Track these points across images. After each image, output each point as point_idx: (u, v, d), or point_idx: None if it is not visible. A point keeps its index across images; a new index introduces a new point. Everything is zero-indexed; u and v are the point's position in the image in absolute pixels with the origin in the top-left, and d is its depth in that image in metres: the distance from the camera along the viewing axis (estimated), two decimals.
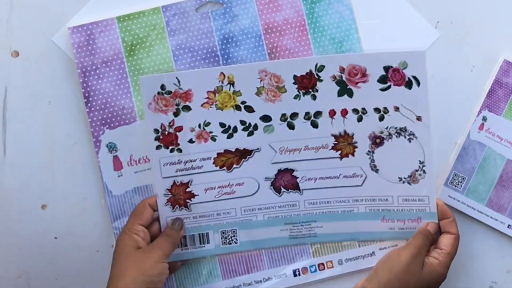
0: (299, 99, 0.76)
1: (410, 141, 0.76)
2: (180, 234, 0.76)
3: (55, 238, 0.81)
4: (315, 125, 0.76)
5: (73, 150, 0.80)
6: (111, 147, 0.78)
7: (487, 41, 0.81)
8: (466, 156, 0.80)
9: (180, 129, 0.76)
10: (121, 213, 0.78)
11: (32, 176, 0.81)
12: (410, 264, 0.72)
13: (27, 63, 0.81)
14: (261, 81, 0.75)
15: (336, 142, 0.76)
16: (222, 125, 0.76)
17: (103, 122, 0.78)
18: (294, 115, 0.76)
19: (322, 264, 0.79)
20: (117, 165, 0.78)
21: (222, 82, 0.75)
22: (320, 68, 0.75)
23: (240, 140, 0.76)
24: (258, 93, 0.75)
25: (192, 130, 0.76)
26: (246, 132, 0.76)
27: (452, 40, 0.81)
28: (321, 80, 0.75)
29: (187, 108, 0.76)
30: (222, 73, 0.75)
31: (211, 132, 0.76)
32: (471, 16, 0.81)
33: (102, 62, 0.78)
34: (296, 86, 0.75)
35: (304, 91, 0.75)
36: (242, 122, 0.76)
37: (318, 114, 0.76)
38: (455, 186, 0.80)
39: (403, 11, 0.81)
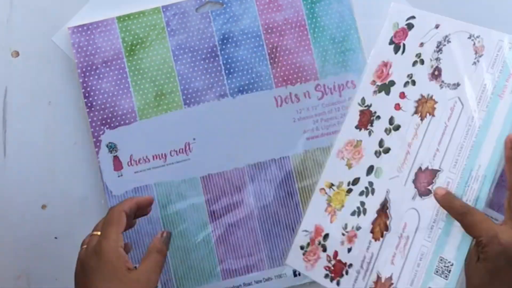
0: None
1: None
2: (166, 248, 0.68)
3: (55, 238, 0.81)
4: None
5: (73, 150, 0.80)
6: (111, 147, 0.78)
7: None
8: None
9: None
10: None
11: (32, 176, 0.81)
12: None
13: (27, 63, 0.81)
14: None
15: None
16: None
17: (103, 122, 0.78)
18: None
19: None
20: (117, 165, 0.78)
21: None
22: None
23: None
24: None
25: None
26: None
27: None
28: None
29: None
30: None
31: None
32: (471, 16, 0.81)
33: (102, 62, 0.78)
34: None
35: None
36: None
37: None
38: None
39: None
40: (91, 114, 0.78)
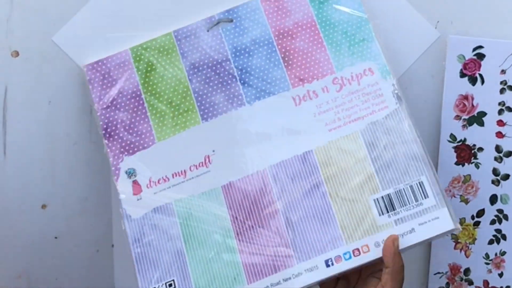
0: None
1: None
2: None
3: (55, 238, 0.81)
4: None
5: (73, 150, 0.80)
6: (130, 173, 0.78)
7: None
8: None
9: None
10: (140, 235, 0.76)
11: (32, 176, 0.81)
12: None
13: (27, 63, 0.81)
14: None
15: None
16: None
17: (122, 150, 0.78)
18: None
19: (357, 249, 0.74)
20: (136, 189, 0.78)
21: None
22: None
23: None
24: None
25: None
26: None
27: None
28: None
29: None
30: None
31: None
32: (471, 16, 0.81)
33: (119, 93, 0.79)
34: None
35: None
36: None
37: None
38: None
39: (403, 11, 0.81)
40: (110, 144, 0.78)
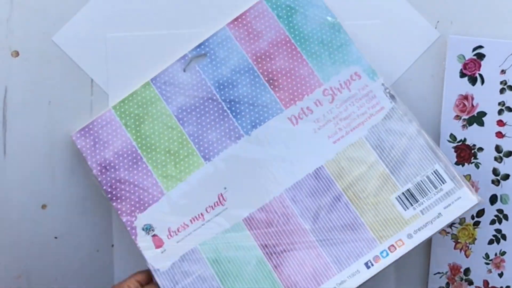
0: None
1: None
2: None
3: (55, 238, 0.81)
4: None
5: (73, 150, 0.80)
6: (148, 229, 0.77)
7: None
8: None
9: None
10: (174, 284, 0.76)
11: (32, 176, 0.81)
12: None
13: (27, 63, 0.81)
14: None
15: None
16: None
17: (133, 208, 0.78)
18: None
19: (392, 245, 0.76)
20: (158, 242, 0.77)
21: None
22: None
23: None
24: None
25: None
26: None
27: None
28: None
29: None
30: None
31: None
32: (471, 16, 0.81)
33: (114, 154, 0.78)
34: None
35: None
36: None
37: None
38: None
39: (403, 11, 0.81)
40: (119, 206, 0.77)
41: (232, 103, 0.79)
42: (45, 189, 0.81)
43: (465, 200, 0.74)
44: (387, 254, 0.76)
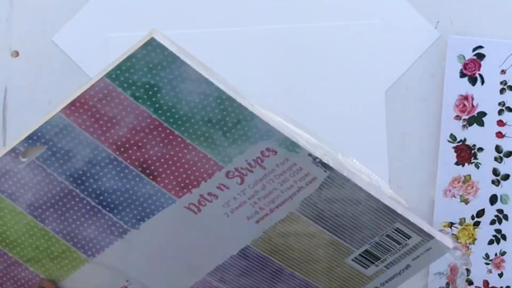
0: None
1: None
2: None
3: None
4: None
5: None
6: None
7: None
8: None
9: None
10: None
11: None
12: None
13: (27, 63, 0.81)
14: None
15: None
16: None
17: None
18: None
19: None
20: None
21: None
22: None
23: None
24: None
25: None
26: None
27: None
28: None
29: None
30: None
31: None
32: (471, 16, 0.81)
33: None
34: None
35: None
36: None
37: None
38: None
39: (403, 11, 0.81)
40: None
41: (101, 197, 0.65)
42: None
43: (437, 249, 0.67)
44: None
